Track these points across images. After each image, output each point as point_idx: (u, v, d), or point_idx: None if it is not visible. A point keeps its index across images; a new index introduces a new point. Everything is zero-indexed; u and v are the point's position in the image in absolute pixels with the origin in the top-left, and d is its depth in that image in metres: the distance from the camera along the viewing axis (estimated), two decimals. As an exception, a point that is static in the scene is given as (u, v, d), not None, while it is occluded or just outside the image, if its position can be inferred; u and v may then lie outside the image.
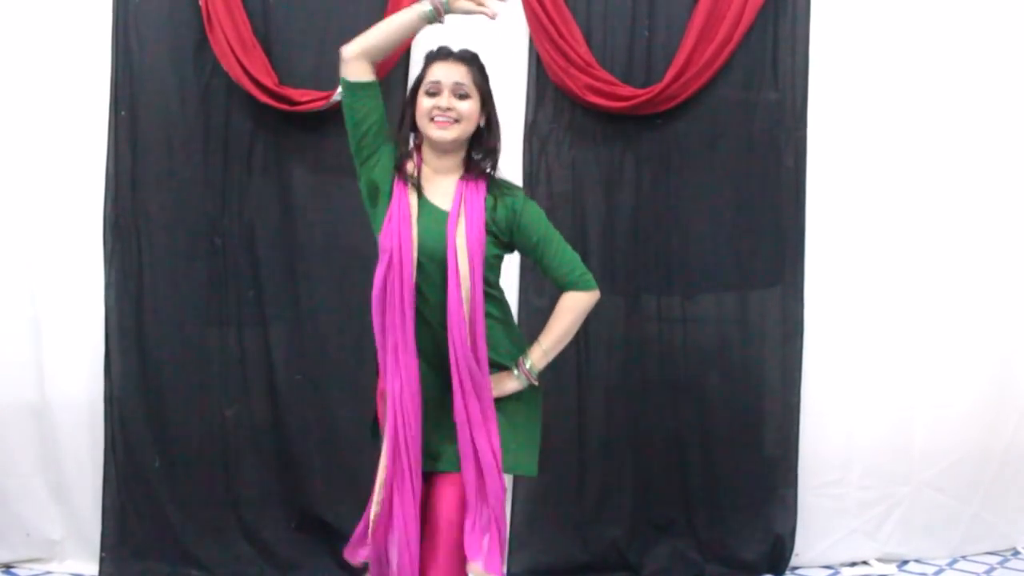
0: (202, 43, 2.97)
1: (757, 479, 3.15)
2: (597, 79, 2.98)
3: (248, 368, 3.08)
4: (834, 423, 3.20)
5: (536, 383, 2.23)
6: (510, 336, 2.29)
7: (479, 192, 2.17)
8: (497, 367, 2.23)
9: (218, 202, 3.04)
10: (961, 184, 3.23)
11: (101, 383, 3.02)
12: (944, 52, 3.18)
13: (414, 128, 2.23)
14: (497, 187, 2.22)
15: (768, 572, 3.15)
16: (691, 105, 3.06)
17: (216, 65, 2.96)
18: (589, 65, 2.99)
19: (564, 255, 2.23)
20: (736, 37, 3.00)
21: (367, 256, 3.04)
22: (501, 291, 2.29)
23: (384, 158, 2.23)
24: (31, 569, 3.09)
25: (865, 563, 3.27)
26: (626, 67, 3.06)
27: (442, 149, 2.19)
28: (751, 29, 3.03)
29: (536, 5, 2.97)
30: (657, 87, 2.98)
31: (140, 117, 3.00)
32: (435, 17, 2.23)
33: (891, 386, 3.22)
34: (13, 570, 3.07)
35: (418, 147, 2.24)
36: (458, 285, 2.11)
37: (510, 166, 3.05)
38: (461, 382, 2.14)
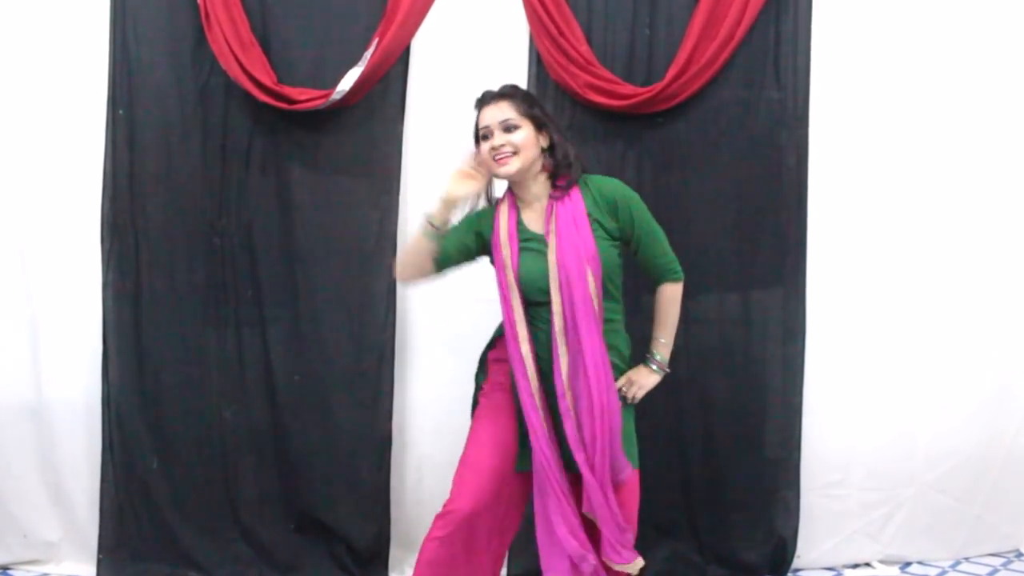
0: (200, 41, 2.96)
1: (759, 480, 3.13)
2: (598, 77, 2.97)
3: (246, 369, 3.07)
4: (836, 424, 3.19)
5: (668, 370, 2.47)
6: (624, 337, 2.44)
7: (573, 204, 2.30)
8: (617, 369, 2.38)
9: (216, 201, 3.03)
10: (964, 184, 3.21)
11: (99, 384, 3.01)
12: (947, 51, 3.17)
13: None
14: (591, 186, 2.36)
15: (770, 574, 3.14)
16: (692, 104, 3.04)
17: (214, 63, 2.94)
18: (590, 63, 2.97)
19: (664, 248, 2.42)
20: (738, 36, 2.99)
21: (366, 256, 3.06)
22: (619, 293, 2.42)
23: (479, 230, 2.42)
24: (28, 571, 3.07)
25: (868, 565, 3.25)
26: (627, 65, 3.05)
27: (516, 182, 2.36)
28: (753, 28, 3.02)
29: (536, 3, 2.97)
30: (658, 86, 2.97)
31: (138, 116, 2.99)
32: (433, 230, 2.35)
33: (894, 387, 3.21)
34: (10, 572, 3.06)
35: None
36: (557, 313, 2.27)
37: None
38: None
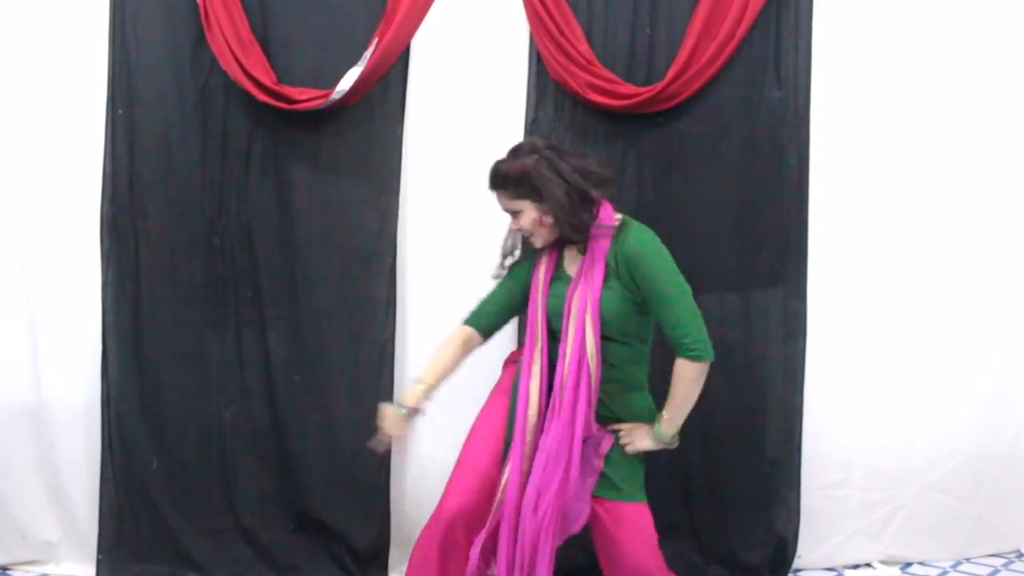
0: (200, 41, 2.94)
1: (759, 480, 3.13)
2: (598, 77, 2.96)
3: (246, 369, 3.06)
4: (837, 424, 3.18)
5: (671, 446, 2.48)
6: (642, 400, 2.50)
7: (599, 259, 2.34)
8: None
9: (216, 201, 3.02)
10: (966, 184, 3.20)
11: (98, 384, 3.00)
12: (949, 50, 3.16)
13: None
14: (624, 234, 2.36)
15: (770, 574, 3.13)
16: (693, 103, 3.03)
17: (214, 63, 2.93)
18: (590, 63, 2.97)
19: (677, 319, 2.34)
20: (738, 35, 2.98)
21: (366, 256, 3.05)
22: (643, 351, 2.47)
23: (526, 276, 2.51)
24: (28, 571, 3.07)
25: (868, 565, 3.25)
26: (627, 65, 3.04)
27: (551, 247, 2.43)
28: (753, 27, 3.01)
29: (537, 3, 2.96)
30: (659, 85, 2.96)
31: (137, 115, 2.97)
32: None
33: (895, 387, 3.20)
34: (9, 572, 3.05)
35: None
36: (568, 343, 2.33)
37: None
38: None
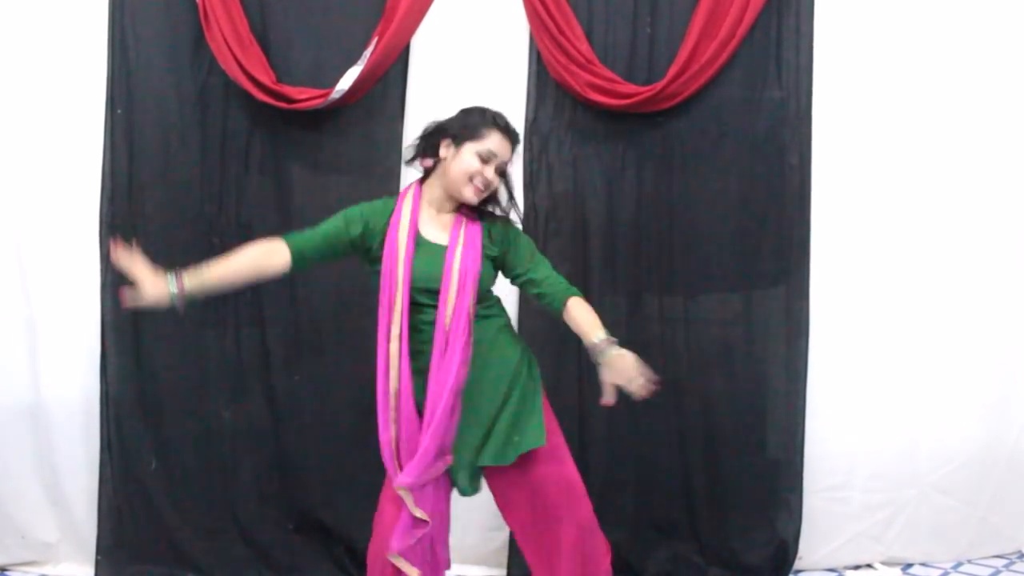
0: (199, 40, 2.95)
1: (761, 481, 3.12)
2: (598, 76, 2.95)
3: (246, 369, 3.06)
4: (839, 425, 3.17)
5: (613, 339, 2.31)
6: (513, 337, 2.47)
7: (475, 224, 2.36)
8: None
9: (215, 201, 3.02)
10: (968, 184, 3.20)
11: (97, 384, 3.00)
12: (950, 49, 3.15)
13: (429, 155, 2.39)
14: (489, 217, 2.41)
15: (771, 575, 3.11)
16: (693, 103, 3.03)
17: (213, 63, 2.93)
18: (590, 62, 2.96)
19: (554, 271, 2.42)
20: (739, 34, 2.98)
21: (366, 256, 3.03)
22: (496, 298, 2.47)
23: (367, 230, 2.39)
24: (26, 572, 3.06)
25: (870, 566, 3.24)
26: (628, 64, 3.03)
27: (447, 197, 2.37)
28: (754, 26, 3.00)
29: (537, 2, 2.95)
30: (659, 85, 2.96)
31: (136, 115, 2.98)
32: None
33: (897, 388, 3.19)
34: (8, 573, 3.05)
35: (420, 180, 2.43)
36: (446, 306, 2.29)
37: (510, 165, 3.04)
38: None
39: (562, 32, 2.95)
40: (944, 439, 3.23)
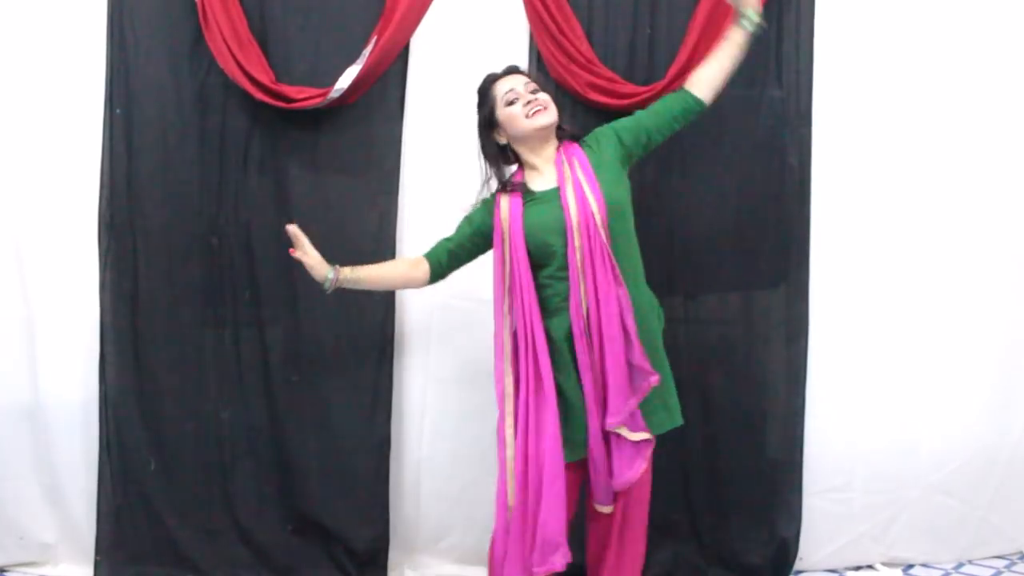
0: (198, 40, 2.94)
1: (761, 482, 3.11)
2: (598, 76, 2.95)
3: (244, 369, 3.05)
4: (839, 425, 3.16)
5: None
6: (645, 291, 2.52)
7: (579, 156, 2.46)
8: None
9: (214, 201, 3.02)
10: (969, 183, 3.19)
11: (95, 385, 2.99)
12: (951, 48, 3.14)
13: (503, 157, 2.54)
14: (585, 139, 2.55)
15: (772, 576, 3.12)
16: (693, 103, 3.02)
17: (212, 62, 2.93)
18: (590, 62, 2.95)
19: (659, 103, 2.56)
20: (739, 34, 2.97)
21: (365, 255, 3.03)
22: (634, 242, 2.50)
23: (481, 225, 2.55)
24: (25, 573, 3.06)
25: (870, 567, 3.23)
26: (628, 64, 3.03)
27: (544, 136, 2.48)
28: (755, 26, 3.00)
29: (537, 2, 2.95)
30: (659, 84, 2.95)
31: (135, 115, 2.97)
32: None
33: (897, 388, 3.18)
34: (7, 574, 3.04)
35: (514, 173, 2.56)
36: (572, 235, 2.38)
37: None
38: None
39: (562, 32, 2.94)
40: (945, 439, 3.22)
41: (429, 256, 2.58)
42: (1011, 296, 3.24)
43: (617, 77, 2.97)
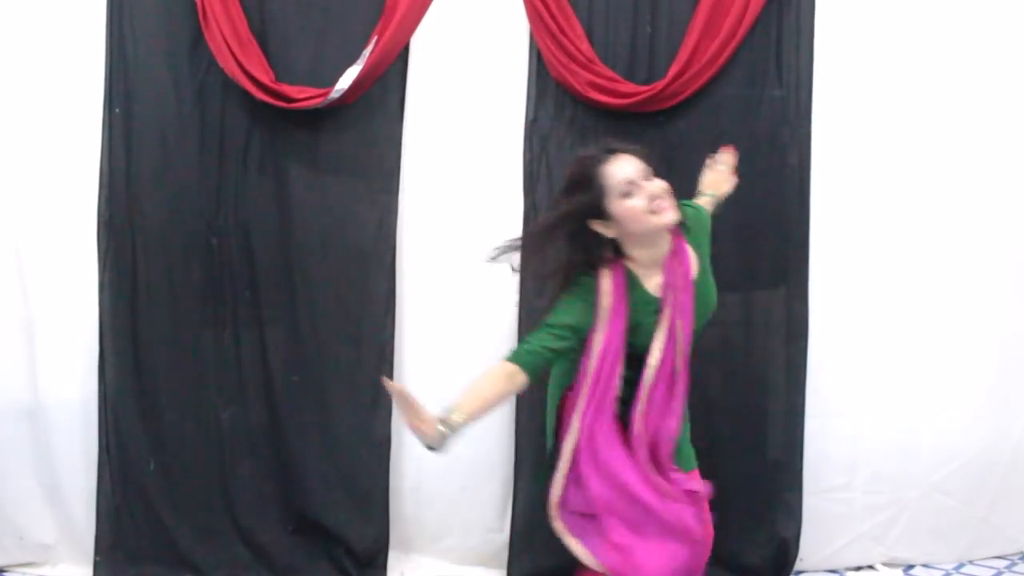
0: (198, 39, 2.94)
1: (761, 482, 3.10)
2: (599, 75, 2.94)
3: (244, 370, 3.04)
4: (840, 426, 3.16)
5: None
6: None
7: (684, 255, 2.21)
8: None
9: (214, 201, 3.01)
10: (969, 183, 3.18)
11: (95, 384, 2.99)
12: (952, 48, 3.14)
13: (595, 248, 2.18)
14: (686, 224, 2.25)
15: (772, 576, 3.11)
16: (694, 102, 3.02)
17: (212, 61, 2.92)
18: (591, 61, 2.95)
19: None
20: (740, 33, 2.97)
21: (365, 255, 3.04)
22: None
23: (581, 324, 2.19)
24: (24, 573, 3.05)
25: (871, 567, 3.23)
26: (628, 63, 3.02)
27: (645, 244, 2.17)
28: (755, 25, 2.99)
29: (537, 1, 2.94)
30: (659, 84, 2.95)
31: (135, 114, 2.96)
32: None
33: (898, 388, 3.18)
34: (6, 574, 3.04)
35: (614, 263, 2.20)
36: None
37: (510, 164, 3.03)
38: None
39: (562, 31, 2.94)
40: (945, 440, 3.21)
41: (524, 364, 2.13)
42: (1012, 295, 3.23)
43: (617, 76, 2.96)
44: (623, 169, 2.14)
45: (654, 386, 2.19)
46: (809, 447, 3.12)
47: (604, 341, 2.15)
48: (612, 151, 2.17)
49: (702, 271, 2.27)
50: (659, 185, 2.15)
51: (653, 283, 2.21)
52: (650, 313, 2.18)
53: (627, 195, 2.12)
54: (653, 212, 2.11)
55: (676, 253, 2.20)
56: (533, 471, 2.89)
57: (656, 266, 2.20)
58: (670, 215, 2.13)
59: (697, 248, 2.28)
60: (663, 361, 2.18)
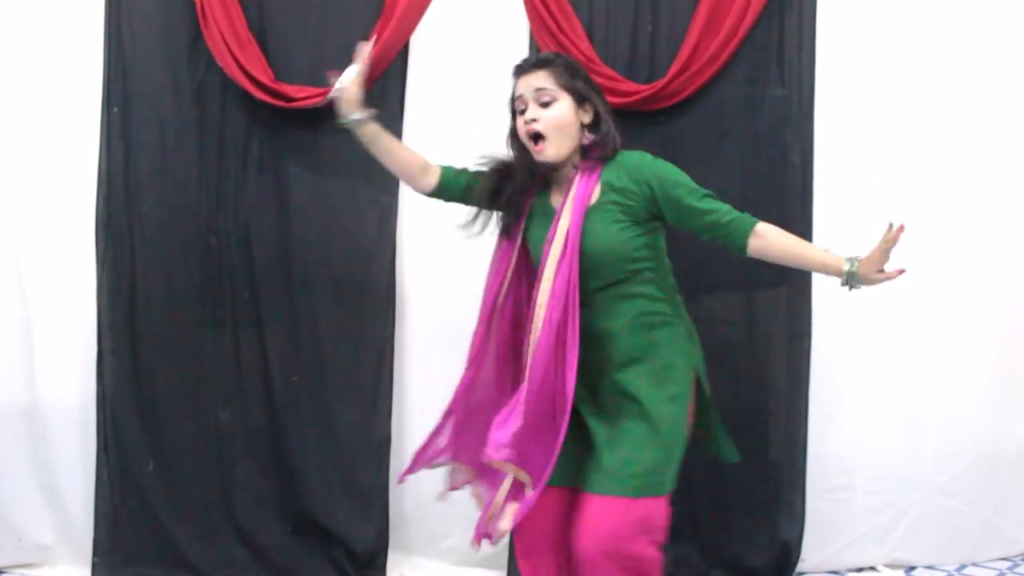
0: (196, 38, 2.93)
1: (763, 483, 3.09)
2: (599, 75, 2.92)
3: (243, 370, 3.03)
4: (842, 426, 3.15)
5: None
6: (676, 335, 2.25)
7: (589, 175, 2.14)
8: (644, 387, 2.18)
9: (213, 201, 3.00)
10: (973, 182, 3.17)
11: (93, 385, 2.98)
12: (954, 46, 3.13)
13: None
14: (619, 161, 2.16)
15: (773, 578, 3.10)
16: (695, 101, 3.00)
17: (211, 61, 2.92)
18: (591, 60, 2.94)
19: (705, 206, 2.16)
20: (741, 32, 2.95)
21: (365, 255, 3.03)
22: (661, 279, 2.22)
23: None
24: (23, 574, 3.04)
25: (873, 569, 3.22)
26: (628, 62, 3.01)
27: (551, 168, 2.19)
28: (756, 24, 2.98)
29: (537, 0, 2.93)
30: (660, 83, 2.94)
31: (133, 114, 2.96)
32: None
33: (900, 389, 3.17)
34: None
35: None
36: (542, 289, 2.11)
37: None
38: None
39: (562, 30, 2.93)
40: (948, 441, 3.20)
41: (444, 170, 2.36)
42: (1016, 296, 3.22)
43: (618, 75, 2.95)
44: (520, 85, 2.18)
45: (545, 323, 2.07)
46: (811, 448, 3.10)
47: (498, 244, 2.26)
48: (527, 64, 2.20)
49: (605, 220, 2.13)
50: (538, 113, 2.13)
51: (554, 193, 2.23)
52: (543, 225, 2.18)
53: (518, 112, 2.18)
54: (530, 141, 2.15)
55: (583, 175, 2.15)
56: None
57: (561, 181, 2.21)
58: (539, 156, 2.14)
59: (630, 191, 2.13)
60: (553, 292, 2.07)
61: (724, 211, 2.17)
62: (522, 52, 3.02)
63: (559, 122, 2.14)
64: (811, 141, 3.05)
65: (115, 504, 2.98)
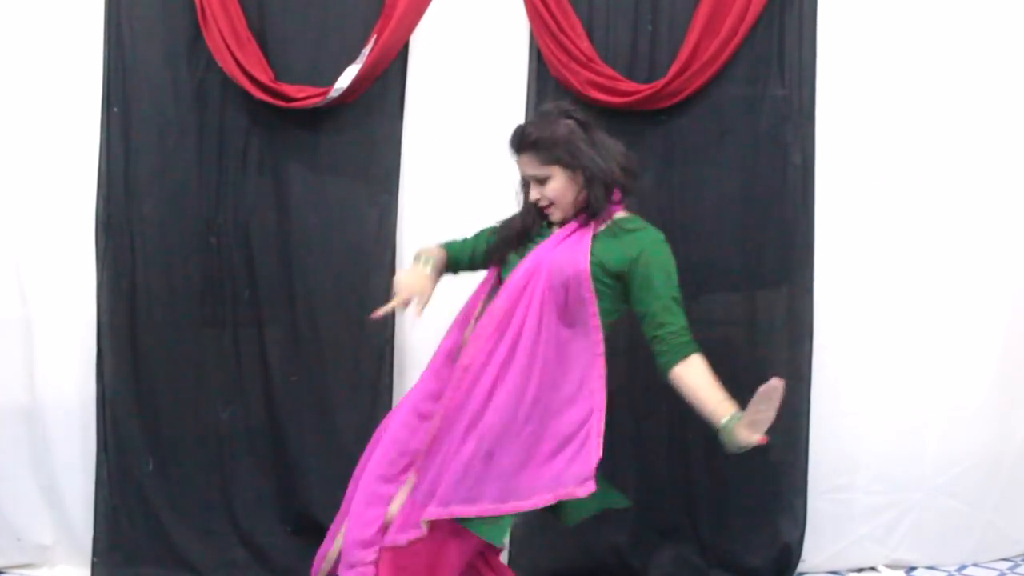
0: (196, 38, 2.93)
1: (763, 483, 3.09)
2: (599, 74, 2.93)
3: (243, 369, 3.04)
4: (843, 427, 3.14)
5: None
6: None
7: (582, 229, 2.24)
8: None
9: (213, 201, 3.01)
10: (974, 181, 3.16)
11: (93, 384, 2.98)
12: (955, 46, 3.12)
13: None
14: (617, 228, 2.24)
15: (774, 578, 3.09)
16: (695, 101, 3.00)
17: (211, 60, 2.92)
18: (591, 60, 2.94)
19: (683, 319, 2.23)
20: (741, 31, 2.95)
21: (365, 255, 3.03)
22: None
23: None
24: (22, 574, 3.04)
25: (873, 569, 3.21)
26: (629, 62, 3.01)
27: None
28: (757, 23, 2.97)
29: (538, 0, 2.93)
30: (660, 82, 2.93)
31: (133, 114, 2.96)
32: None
33: (902, 389, 3.16)
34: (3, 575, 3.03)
35: None
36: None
37: (510, 164, 3.01)
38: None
39: (562, 30, 2.93)
40: (949, 442, 3.19)
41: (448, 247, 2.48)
42: (1018, 296, 3.21)
43: (618, 75, 2.95)
44: (519, 168, 2.29)
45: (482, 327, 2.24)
46: (812, 448, 3.10)
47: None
48: (513, 147, 2.28)
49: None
50: (541, 192, 2.25)
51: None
52: (522, 254, 2.28)
53: (527, 185, 2.32)
54: (541, 206, 2.28)
55: (578, 227, 2.25)
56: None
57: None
58: (552, 218, 2.29)
59: (610, 258, 2.20)
60: (507, 298, 2.20)
61: (681, 326, 2.23)
62: (522, 52, 3.03)
63: (556, 195, 2.24)
64: (812, 141, 3.05)
65: (115, 504, 2.98)
